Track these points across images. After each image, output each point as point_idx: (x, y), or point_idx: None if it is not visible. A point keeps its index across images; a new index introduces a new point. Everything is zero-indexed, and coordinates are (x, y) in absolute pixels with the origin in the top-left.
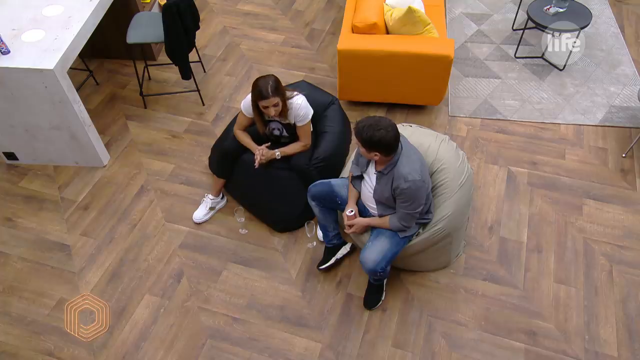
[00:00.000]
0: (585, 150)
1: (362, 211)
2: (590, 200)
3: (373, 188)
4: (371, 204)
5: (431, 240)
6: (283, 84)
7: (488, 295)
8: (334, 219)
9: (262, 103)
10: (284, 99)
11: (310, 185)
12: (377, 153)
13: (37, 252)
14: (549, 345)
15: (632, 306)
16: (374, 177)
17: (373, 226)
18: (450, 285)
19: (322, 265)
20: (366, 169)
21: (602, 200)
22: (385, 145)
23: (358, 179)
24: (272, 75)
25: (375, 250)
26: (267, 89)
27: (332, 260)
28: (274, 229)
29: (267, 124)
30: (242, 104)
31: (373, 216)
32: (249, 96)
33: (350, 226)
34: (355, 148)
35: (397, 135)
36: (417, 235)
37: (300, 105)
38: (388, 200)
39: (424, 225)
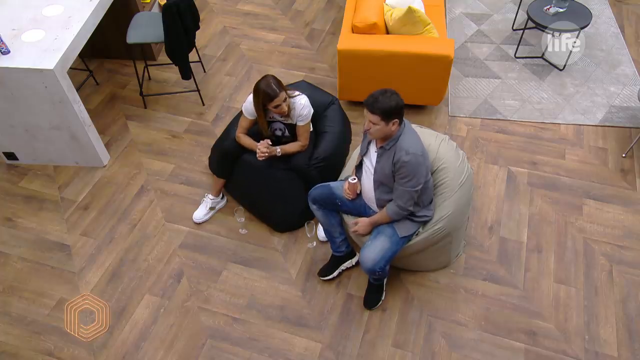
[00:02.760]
0: (585, 150)
1: (363, 212)
2: (590, 200)
3: (374, 168)
4: (371, 196)
5: (431, 239)
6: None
7: (488, 295)
8: (338, 223)
9: (273, 103)
10: (288, 95)
11: (311, 190)
12: (396, 120)
13: (37, 252)
14: (549, 345)
15: (632, 306)
16: (374, 156)
17: (377, 223)
18: (450, 285)
19: (325, 275)
20: (366, 151)
21: (602, 200)
22: (401, 107)
23: (358, 170)
24: (268, 74)
25: (374, 250)
26: (273, 88)
27: (335, 273)
28: (274, 229)
29: (270, 125)
30: (243, 107)
31: (374, 213)
32: (250, 98)
33: (355, 223)
34: (355, 148)
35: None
36: (416, 234)
37: (304, 105)
38: (387, 179)
39: (424, 225)
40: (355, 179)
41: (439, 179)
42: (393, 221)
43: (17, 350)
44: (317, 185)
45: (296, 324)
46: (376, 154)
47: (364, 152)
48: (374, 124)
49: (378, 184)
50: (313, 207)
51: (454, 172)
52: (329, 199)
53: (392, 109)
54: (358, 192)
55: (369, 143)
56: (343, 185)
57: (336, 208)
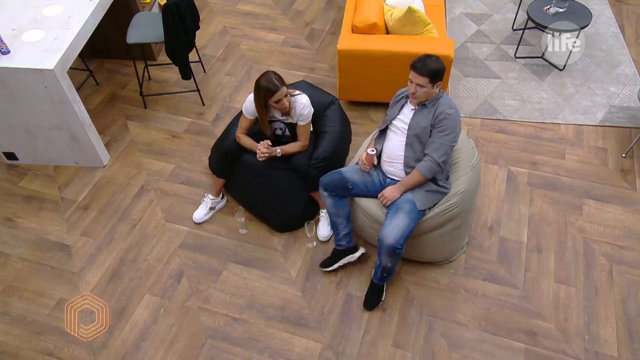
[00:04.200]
0: (585, 150)
1: (375, 192)
2: (590, 200)
3: (408, 125)
4: (398, 154)
5: (443, 217)
6: None
7: (488, 295)
8: (346, 214)
9: (274, 98)
10: (289, 91)
11: (322, 177)
12: (440, 82)
13: (37, 252)
14: (549, 345)
15: (632, 306)
16: (410, 113)
17: (406, 186)
18: (450, 285)
19: (325, 267)
20: (397, 114)
21: (602, 200)
22: (444, 70)
23: (381, 137)
24: (269, 71)
25: (395, 228)
26: (274, 83)
27: (336, 266)
28: (274, 229)
29: (270, 125)
30: (243, 107)
31: (393, 183)
32: (250, 97)
33: (383, 197)
34: (357, 148)
35: None
36: (429, 209)
37: (304, 105)
38: (423, 133)
39: (441, 197)
40: (374, 150)
41: (453, 157)
42: (415, 189)
43: (17, 350)
44: (327, 173)
45: (296, 324)
46: (413, 111)
47: (394, 117)
48: (421, 86)
49: (410, 139)
50: (324, 194)
51: (466, 153)
52: (340, 183)
53: (439, 71)
54: (375, 163)
55: (402, 107)
56: (360, 158)
57: (348, 193)
